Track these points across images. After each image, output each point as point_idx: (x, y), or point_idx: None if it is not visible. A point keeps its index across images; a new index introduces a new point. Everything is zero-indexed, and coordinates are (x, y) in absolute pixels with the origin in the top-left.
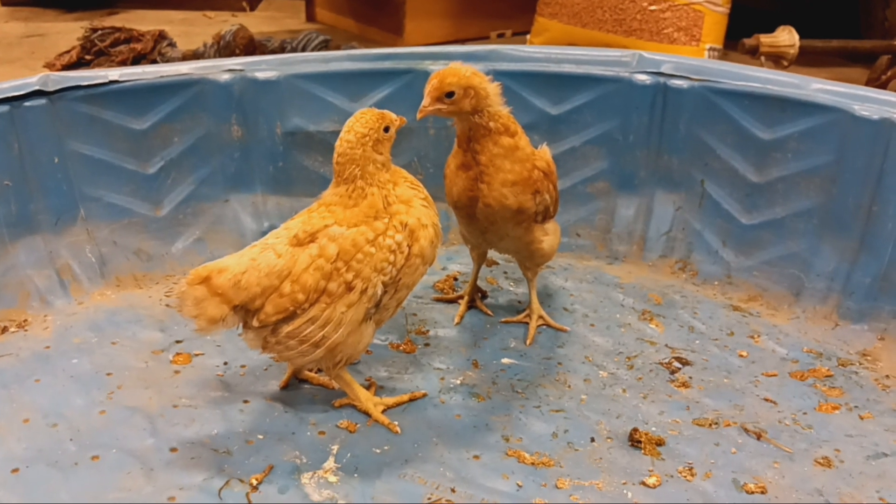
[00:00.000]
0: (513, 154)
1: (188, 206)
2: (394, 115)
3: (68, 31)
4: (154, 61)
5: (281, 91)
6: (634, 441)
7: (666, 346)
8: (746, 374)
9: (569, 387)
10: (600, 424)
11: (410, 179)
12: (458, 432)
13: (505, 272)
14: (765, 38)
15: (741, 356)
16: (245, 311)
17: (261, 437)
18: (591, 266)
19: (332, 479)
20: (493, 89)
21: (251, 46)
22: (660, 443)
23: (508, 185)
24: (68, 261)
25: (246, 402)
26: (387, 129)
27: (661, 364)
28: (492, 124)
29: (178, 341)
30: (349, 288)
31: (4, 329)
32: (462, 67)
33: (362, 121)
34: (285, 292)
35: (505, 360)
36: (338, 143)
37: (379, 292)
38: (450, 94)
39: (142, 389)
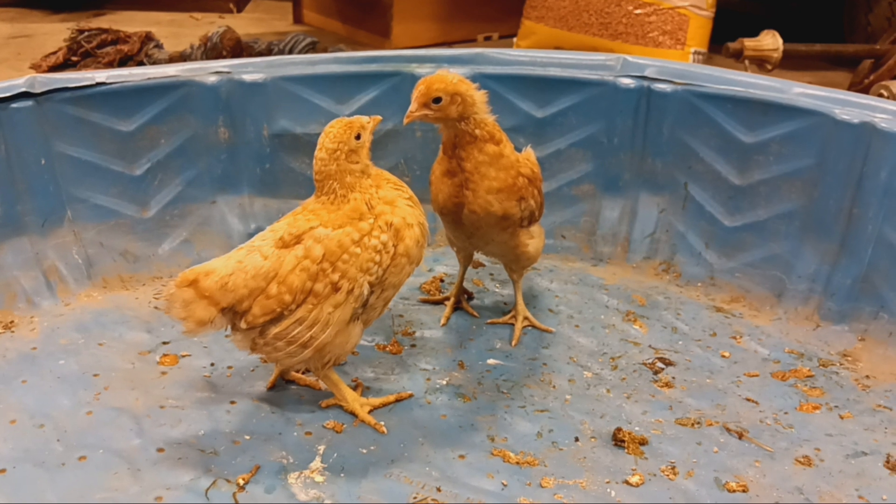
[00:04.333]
0: (498, 161)
1: (175, 207)
2: (365, 119)
3: (55, 32)
4: (141, 63)
5: (268, 93)
6: (618, 440)
7: (649, 346)
8: (729, 374)
9: (553, 387)
10: (584, 424)
11: (394, 181)
12: (443, 432)
13: (491, 274)
14: (749, 42)
15: (723, 357)
16: (233, 313)
17: (247, 437)
18: (575, 268)
19: (319, 478)
20: (479, 97)
21: (238, 48)
22: (643, 442)
23: (493, 193)
24: (55, 262)
25: (233, 402)
26: (358, 137)
27: (644, 364)
28: (477, 132)
29: (164, 342)
30: (335, 288)
31: None
32: (449, 74)
33: (331, 135)
34: (272, 294)
35: (490, 361)
36: (314, 160)
37: (365, 292)
38: (437, 100)
39: (128, 390)
